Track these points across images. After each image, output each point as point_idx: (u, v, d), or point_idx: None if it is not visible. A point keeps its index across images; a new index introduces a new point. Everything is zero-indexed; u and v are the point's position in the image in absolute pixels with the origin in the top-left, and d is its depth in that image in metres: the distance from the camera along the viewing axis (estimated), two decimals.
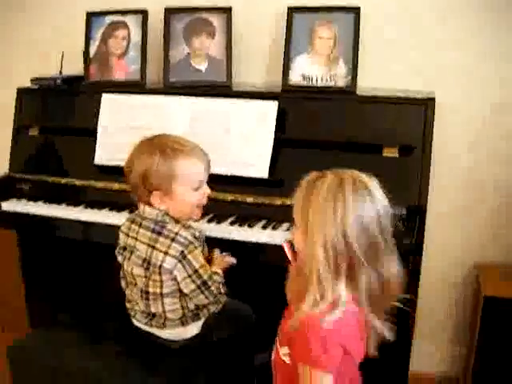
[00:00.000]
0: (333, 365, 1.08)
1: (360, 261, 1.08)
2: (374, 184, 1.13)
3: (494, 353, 1.79)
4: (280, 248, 1.29)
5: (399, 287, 1.16)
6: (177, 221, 1.44)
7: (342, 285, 1.09)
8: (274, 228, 1.70)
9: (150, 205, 1.43)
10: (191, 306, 1.48)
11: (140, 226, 1.45)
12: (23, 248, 2.25)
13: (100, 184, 1.98)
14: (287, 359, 1.17)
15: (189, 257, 1.40)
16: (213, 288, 1.45)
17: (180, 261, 1.40)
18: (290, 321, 1.12)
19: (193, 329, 1.51)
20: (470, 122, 1.99)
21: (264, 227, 1.71)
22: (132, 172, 1.41)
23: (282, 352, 1.19)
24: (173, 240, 1.39)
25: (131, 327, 1.54)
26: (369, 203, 1.09)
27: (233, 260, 1.61)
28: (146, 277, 1.43)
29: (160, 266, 1.40)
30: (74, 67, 2.27)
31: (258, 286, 1.86)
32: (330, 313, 1.06)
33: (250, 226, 1.72)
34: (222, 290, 1.50)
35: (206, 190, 1.49)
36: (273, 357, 1.26)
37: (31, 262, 2.28)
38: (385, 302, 1.16)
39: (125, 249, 1.50)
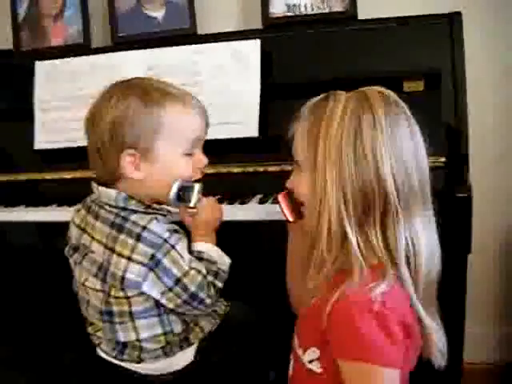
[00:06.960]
0: (399, 354, 0.79)
1: (395, 209, 0.81)
2: (404, 105, 0.87)
3: None
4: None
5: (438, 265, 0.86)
6: (148, 206, 1.00)
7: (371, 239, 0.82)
8: (273, 202, 1.29)
9: (116, 178, 0.99)
10: (177, 327, 1.04)
11: (97, 217, 1.02)
12: None
13: (43, 175, 1.59)
14: (316, 367, 0.88)
15: (164, 262, 0.96)
16: (207, 300, 1.01)
17: (152, 269, 0.96)
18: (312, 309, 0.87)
19: (181, 359, 1.06)
20: None
21: (261, 202, 1.33)
22: (96, 125, 0.97)
23: (307, 359, 0.89)
24: (138, 239, 0.95)
25: (97, 358, 1.11)
26: (405, 126, 0.83)
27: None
28: (103, 291, 0.99)
29: (122, 278, 0.96)
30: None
31: (261, 279, 1.44)
32: (375, 284, 0.79)
33: (242, 202, 1.35)
34: (216, 288, 1.03)
35: (203, 159, 1.05)
36: (290, 372, 0.96)
37: None
38: (428, 286, 0.85)
39: (76, 249, 1.06)
